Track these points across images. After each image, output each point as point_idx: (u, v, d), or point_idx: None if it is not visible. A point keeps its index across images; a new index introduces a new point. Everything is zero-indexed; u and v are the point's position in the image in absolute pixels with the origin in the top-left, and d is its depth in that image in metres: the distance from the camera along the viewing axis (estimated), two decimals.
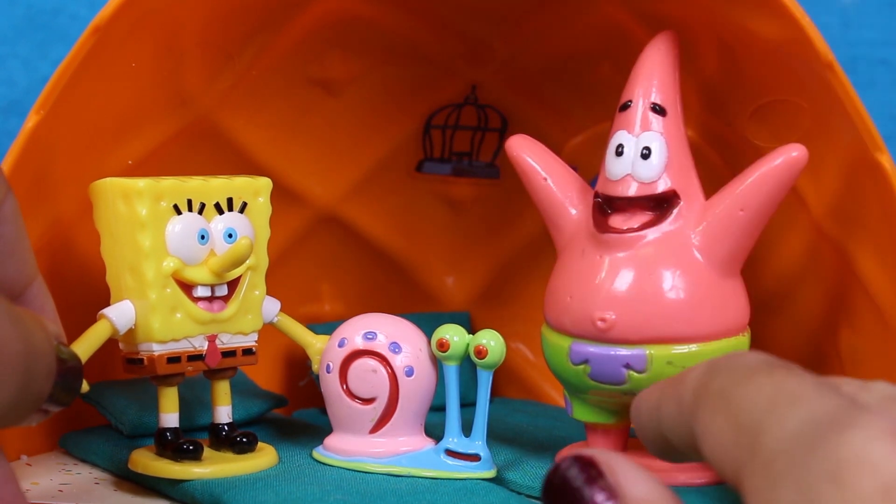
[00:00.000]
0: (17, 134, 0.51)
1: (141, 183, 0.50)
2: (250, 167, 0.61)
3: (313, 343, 0.54)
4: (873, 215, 0.51)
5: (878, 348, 0.52)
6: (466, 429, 0.52)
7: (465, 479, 0.51)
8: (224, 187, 0.52)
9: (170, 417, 0.51)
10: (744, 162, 0.56)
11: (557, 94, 0.64)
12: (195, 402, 0.56)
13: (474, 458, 0.51)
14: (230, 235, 0.52)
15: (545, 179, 0.53)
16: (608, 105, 0.63)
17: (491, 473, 0.52)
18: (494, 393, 0.65)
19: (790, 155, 0.49)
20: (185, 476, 0.50)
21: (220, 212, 0.52)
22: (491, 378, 0.51)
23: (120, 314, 0.50)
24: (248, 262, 0.52)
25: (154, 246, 0.50)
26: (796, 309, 0.57)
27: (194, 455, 0.51)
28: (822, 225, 0.54)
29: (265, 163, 0.62)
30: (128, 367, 0.51)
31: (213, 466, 0.51)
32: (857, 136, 0.49)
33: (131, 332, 0.50)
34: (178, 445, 0.51)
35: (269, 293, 0.54)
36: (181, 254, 0.50)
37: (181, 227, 0.50)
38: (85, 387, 0.45)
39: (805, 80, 0.51)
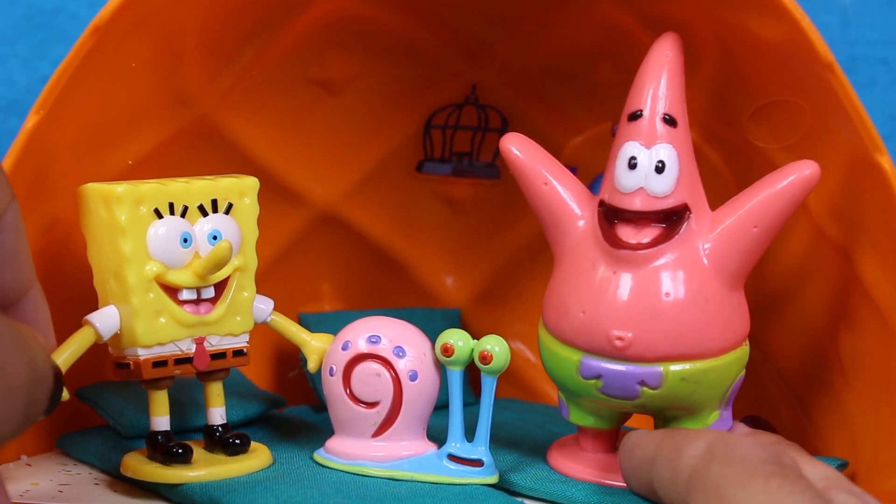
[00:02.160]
0: (17, 134, 0.51)
1: (120, 188, 0.49)
2: (250, 167, 0.61)
3: (309, 342, 0.54)
4: (873, 216, 0.51)
5: (879, 349, 0.52)
6: (468, 433, 0.52)
7: (465, 484, 0.51)
8: (208, 189, 0.51)
9: (160, 420, 0.51)
10: (745, 163, 0.56)
11: (557, 94, 0.64)
12: (189, 404, 0.56)
13: (477, 463, 0.51)
14: (215, 237, 0.51)
15: (546, 184, 0.52)
16: (608, 105, 0.63)
17: (493, 479, 0.51)
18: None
19: (803, 173, 0.49)
20: (176, 480, 0.50)
21: (205, 214, 0.51)
22: (495, 383, 0.51)
23: (104, 320, 0.50)
24: (234, 263, 0.51)
25: (135, 251, 0.50)
26: (796, 310, 0.57)
27: (183, 458, 0.51)
28: (822, 226, 0.54)
29: (265, 163, 0.62)
30: (116, 371, 0.51)
31: (204, 469, 0.50)
32: (856, 137, 0.49)
33: (117, 337, 0.50)
34: (168, 449, 0.51)
35: (269, 293, 0.54)
36: (163, 258, 0.50)
37: (163, 231, 0.50)
38: (65, 395, 0.45)
39: (805, 81, 0.51)
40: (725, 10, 0.51)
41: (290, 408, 0.63)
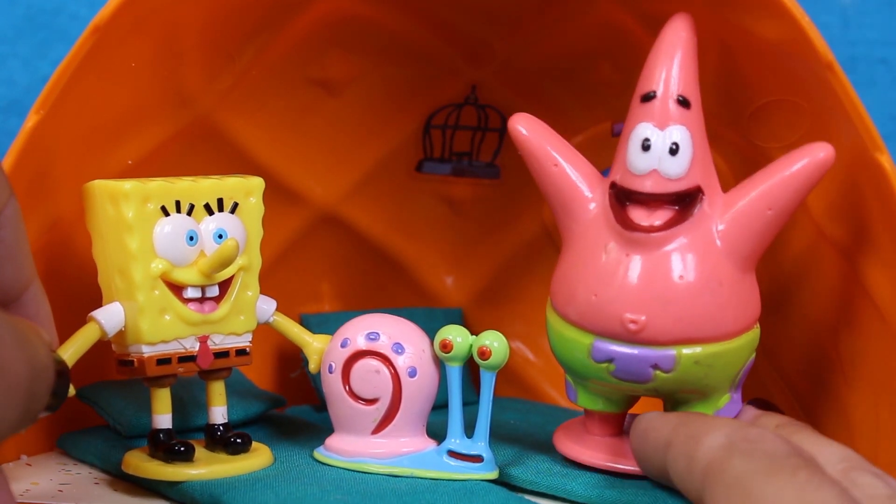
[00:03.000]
0: (17, 134, 0.51)
1: (127, 185, 0.50)
2: (250, 167, 0.61)
3: (310, 342, 0.54)
4: (873, 215, 0.51)
5: (878, 348, 0.52)
6: (468, 429, 0.52)
7: (465, 480, 0.51)
8: (214, 188, 0.52)
9: (162, 419, 0.51)
10: (745, 162, 0.56)
11: (557, 94, 0.64)
12: (191, 403, 0.56)
13: (477, 459, 0.51)
14: (220, 236, 0.51)
15: (555, 166, 0.51)
16: (608, 105, 0.63)
17: (493, 475, 0.52)
18: None
19: (817, 156, 0.48)
20: (177, 478, 0.50)
21: (210, 212, 0.51)
22: (494, 379, 0.51)
23: (109, 316, 0.50)
24: (239, 262, 0.52)
25: (141, 248, 0.50)
26: (796, 309, 0.57)
27: (185, 456, 0.51)
28: (822, 225, 0.54)
29: (265, 163, 0.62)
30: (120, 369, 0.51)
31: (206, 468, 0.51)
32: (856, 137, 0.49)
33: (122, 334, 0.50)
34: (170, 447, 0.51)
35: (269, 293, 0.54)
36: (169, 255, 0.50)
37: (169, 229, 0.50)
38: (71, 391, 0.45)
39: (805, 80, 0.51)
40: (725, 10, 0.51)
41: (291, 407, 0.63)
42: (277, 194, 0.63)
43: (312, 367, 0.54)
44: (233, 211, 0.52)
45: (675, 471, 0.44)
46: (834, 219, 0.53)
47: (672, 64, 0.49)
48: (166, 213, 0.50)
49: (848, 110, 0.49)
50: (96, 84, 0.53)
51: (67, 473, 0.53)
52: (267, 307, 0.54)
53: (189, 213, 0.51)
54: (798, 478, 0.39)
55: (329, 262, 0.67)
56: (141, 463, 0.51)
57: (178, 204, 0.51)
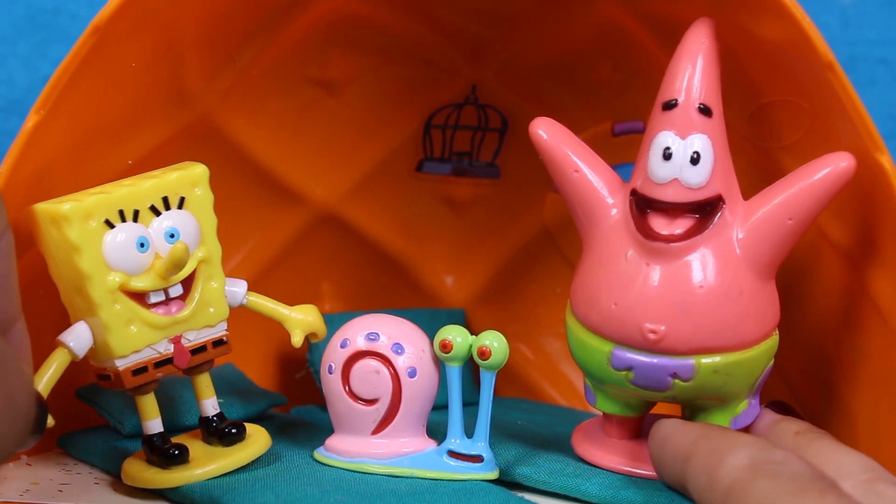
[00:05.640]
0: (17, 134, 0.51)
1: (66, 206, 0.48)
2: (250, 167, 0.62)
3: (289, 315, 0.53)
4: (873, 215, 0.51)
5: (879, 349, 0.52)
6: (468, 429, 0.52)
7: (465, 480, 0.51)
8: (156, 188, 0.50)
9: (152, 424, 0.51)
10: (746, 163, 0.56)
11: (557, 94, 0.64)
12: (180, 401, 0.56)
13: (477, 459, 0.51)
14: (172, 236, 0.50)
15: (576, 172, 0.51)
16: (608, 105, 0.63)
17: (493, 475, 0.52)
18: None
19: (838, 166, 0.48)
20: (179, 482, 0.50)
21: (157, 213, 0.50)
22: (494, 379, 0.51)
23: (75, 338, 0.49)
24: (198, 255, 0.50)
25: (93, 266, 0.48)
26: (797, 309, 0.57)
27: (180, 459, 0.50)
28: (823, 225, 0.54)
29: (265, 163, 0.62)
30: (100, 382, 0.51)
31: (204, 468, 0.50)
32: (857, 137, 0.49)
33: (94, 350, 0.49)
34: (165, 451, 0.50)
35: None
36: (124, 266, 0.49)
37: (119, 240, 0.49)
38: (50, 422, 0.45)
39: (805, 81, 0.51)
40: (726, 10, 0.51)
41: (296, 407, 0.63)
42: (277, 194, 0.63)
43: (295, 340, 0.53)
44: (180, 206, 0.51)
45: (695, 485, 0.43)
46: (834, 219, 0.53)
47: (694, 72, 0.49)
48: (111, 226, 0.49)
49: (848, 110, 0.49)
50: (96, 84, 0.53)
51: (67, 473, 0.53)
52: (238, 289, 0.52)
53: (135, 220, 0.50)
54: (826, 500, 0.39)
55: (329, 263, 0.67)
56: (139, 473, 0.50)
57: (121, 213, 0.49)
